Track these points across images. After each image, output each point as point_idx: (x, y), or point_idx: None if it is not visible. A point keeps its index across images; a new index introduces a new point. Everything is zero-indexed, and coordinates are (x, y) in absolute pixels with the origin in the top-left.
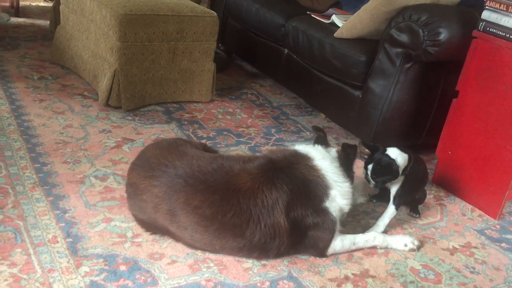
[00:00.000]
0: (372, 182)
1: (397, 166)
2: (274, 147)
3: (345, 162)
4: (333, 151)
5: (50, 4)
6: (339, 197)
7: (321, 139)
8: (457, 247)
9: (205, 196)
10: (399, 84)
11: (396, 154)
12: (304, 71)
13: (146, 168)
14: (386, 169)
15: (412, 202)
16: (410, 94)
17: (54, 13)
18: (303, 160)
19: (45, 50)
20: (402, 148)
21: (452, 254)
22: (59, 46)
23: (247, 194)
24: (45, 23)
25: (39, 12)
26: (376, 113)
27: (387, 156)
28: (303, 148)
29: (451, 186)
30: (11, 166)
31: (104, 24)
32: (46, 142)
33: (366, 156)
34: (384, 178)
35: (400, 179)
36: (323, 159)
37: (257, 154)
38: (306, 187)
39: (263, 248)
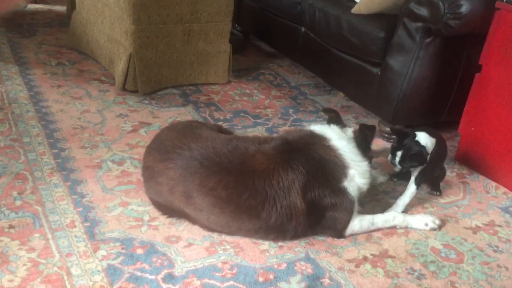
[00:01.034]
0: (399, 167)
1: (427, 153)
2: (291, 128)
3: (363, 142)
4: (350, 131)
5: None
6: (357, 176)
7: (334, 119)
8: (480, 225)
9: (220, 178)
10: (419, 60)
11: (425, 140)
12: (322, 49)
13: (161, 151)
14: (417, 157)
15: (432, 180)
16: (431, 70)
17: None
18: (320, 140)
19: (63, 36)
20: (430, 131)
21: (474, 233)
22: (76, 32)
23: (263, 175)
24: (62, 8)
25: None
26: (396, 91)
27: (417, 143)
28: (319, 128)
29: (474, 164)
30: (30, 152)
31: (118, 7)
32: (64, 128)
33: (387, 135)
34: (413, 164)
35: None
36: (339, 139)
37: (273, 135)
38: (324, 168)
39: (279, 229)
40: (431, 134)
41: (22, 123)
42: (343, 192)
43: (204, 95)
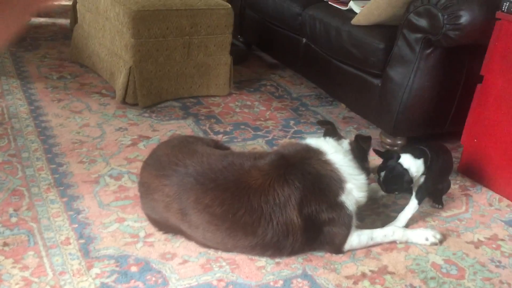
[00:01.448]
0: (384, 188)
1: (410, 177)
2: (286, 141)
3: (359, 154)
4: (346, 143)
5: (70, 3)
6: (355, 190)
7: (330, 131)
8: (483, 239)
9: (215, 195)
10: (420, 71)
11: (409, 162)
12: (323, 60)
13: (157, 167)
14: (398, 179)
15: (435, 192)
16: (432, 81)
17: (73, 12)
18: (316, 154)
19: (66, 49)
20: (417, 151)
21: (477, 247)
22: (77, 45)
23: (258, 191)
24: (66, 21)
25: (60, 11)
26: (396, 102)
27: (400, 165)
28: (314, 142)
29: (477, 175)
30: (28, 167)
31: (118, 21)
32: (63, 142)
33: (388, 147)
34: (396, 187)
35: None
36: (335, 153)
37: (269, 150)
38: (320, 182)
39: (276, 246)
40: (417, 154)
41: (21, 138)
42: (340, 206)
43: (205, 107)
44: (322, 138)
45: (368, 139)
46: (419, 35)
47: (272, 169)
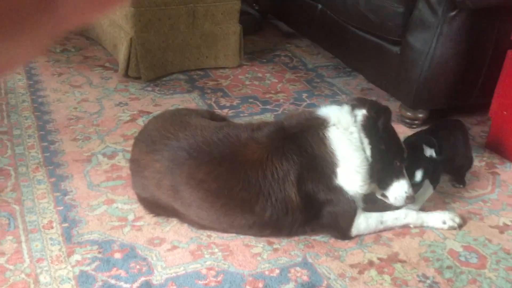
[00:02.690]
0: None
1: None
2: (294, 111)
3: (371, 130)
4: (361, 113)
5: None
6: (350, 175)
7: (359, 101)
8: (509, 223)
9: (210, 169)
10: (443, 36)
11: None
12: (339, 27)
13: (147, 143)
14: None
15: (455, 170)
16: (457, 48)
17: None
18: (314, 127)
19: None
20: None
21: (501, 232)
22: None
23: (255, 165)
24: None
25: None
26: (417, 71)
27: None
28: (325, 110)
29: (507, 151)
30: (18, 145)
31: None
32: (58, 119)
33: (408, 121)
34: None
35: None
36: (337, 126)
37: (269, 120)
38: (315, 163)
39: (275, 225)
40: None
41: (15, 114)
42: (338, 190)
43: (212, 80)
44: (337, 106)
45: (384, 110)
46: None
47: (270, 142)
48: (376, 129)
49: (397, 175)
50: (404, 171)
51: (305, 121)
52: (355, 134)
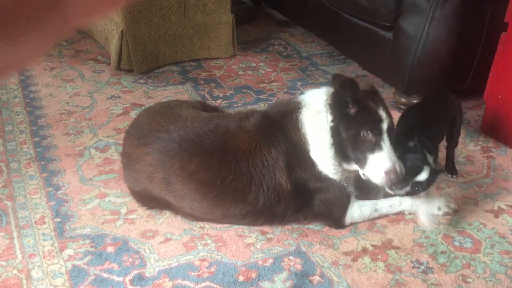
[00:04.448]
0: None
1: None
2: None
3: (337, 106)
4: (329, 92)
5: None
6: (322, 162)
7: (332, 78)
8: (504, 207)
9: (201, 160)
10: (435, 20)
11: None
12: (332, 14)
13: (138, 136)
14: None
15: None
16: (449, 32)
17: None
18: (291, 111)
19: None
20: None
21: (496, 216)
22: None
23: (245, 155)
24: None
25: None
26: (410, 57)
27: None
28: (306, 93)
29: (502, 135)
30: (10, 141)
31: None
32: (50, 114)
33: (402, 107)
34: None
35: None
36: (307, 107)
37: (257, 109)
38: (295, 148)
39: (268, 213)
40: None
41: (7, 110)
42: (324, 178)
43: (205, 71)
44: (319, 88)
45: (349, 83)
46: None
47: (257, 130)
48: (344, 104)
49: (371, 149)
50: (385, 144)
51: (285, 107)
52: (323, 113)
